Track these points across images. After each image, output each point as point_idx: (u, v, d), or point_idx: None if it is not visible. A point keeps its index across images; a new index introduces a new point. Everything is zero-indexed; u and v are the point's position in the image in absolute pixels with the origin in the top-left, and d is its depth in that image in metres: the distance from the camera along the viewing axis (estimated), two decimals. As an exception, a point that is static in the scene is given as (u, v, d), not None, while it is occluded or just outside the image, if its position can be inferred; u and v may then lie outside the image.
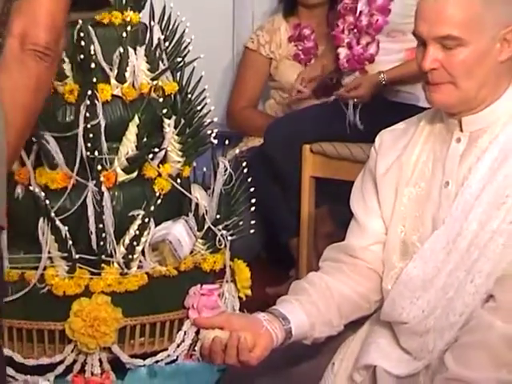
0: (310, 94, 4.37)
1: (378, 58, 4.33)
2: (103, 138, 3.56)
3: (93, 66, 3.56)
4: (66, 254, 3.51)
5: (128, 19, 3.65)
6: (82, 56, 3.57)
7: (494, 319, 2.70)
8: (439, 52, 2.73)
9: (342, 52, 4.40)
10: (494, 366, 2.70)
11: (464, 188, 2.79)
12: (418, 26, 2.77)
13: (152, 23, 3.72)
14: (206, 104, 3.77)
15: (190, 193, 3.70)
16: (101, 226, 3.52)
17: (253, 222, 3.83)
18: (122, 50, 3.61)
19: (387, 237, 2.93)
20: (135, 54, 3.65)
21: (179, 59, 3.75)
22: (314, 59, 4.72)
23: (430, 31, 2.73)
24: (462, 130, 2.84)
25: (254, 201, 3.80)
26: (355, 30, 4.37)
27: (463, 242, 2.77)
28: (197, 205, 3.70)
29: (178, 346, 3.57)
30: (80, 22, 3.55)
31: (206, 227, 3.69)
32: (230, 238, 3.71)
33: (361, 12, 4.35)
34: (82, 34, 3.56)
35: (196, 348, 3.60)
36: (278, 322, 2.78)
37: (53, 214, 3.50)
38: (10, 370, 3.42)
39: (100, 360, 3.51)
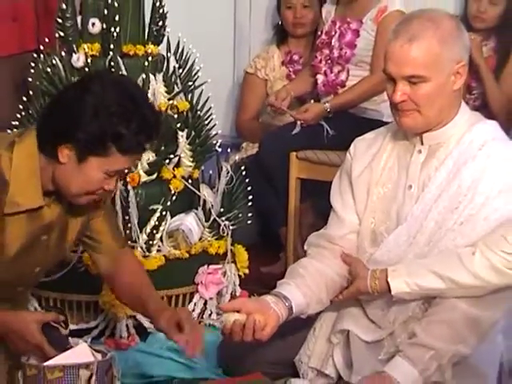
0: (283, 109, 4.30)
1: (348, 82, 4.29)
2: (128, 146, 3.49)
3: (121, 88, 3.49)
4: (98, 240, 3.46)
5: (149, 51, 3.62)
6: (112, 80, 3.50)
7: (459, 302, 2.71)
8: (406, 87, 2.74)
9: (320, 78, 4.36)
10: (453, 340, 2.71)
11: (424, 193, 2.81)
12: (388, 67, 2.78)
13: (168, 54, 3.68)
14: (211, 119, 3.73)
15: (199, 191, 3.67)
16: (127, 217, 3.49)
17: (250, 214, 3.80)
18: (144, 76, 3.57)
19: (360, 227, 2.94)
20: (155, 79, 3.61)
21: (190, 83, 3.71)
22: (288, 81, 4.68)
23: (398, 71, 2.74)
24: (422, 143, 2.84)
25: (250, 197, 3.80)
26: (330, 61, 4.33)
27: (422, 237, 2.79)
28: (204, 201, 3.67)
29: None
30: (111, 53, 3.51)
31: (211, 219, 3.65)
32: (231, 227, 3.68)
33: (333, 46, 4.31)
34: (112, 64, 3.52)
35: (204, 316, 3.61)
36: (282, 303, 2.81)
37: (89, 208, 3.44)
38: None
39: (127, 325, 3.49)
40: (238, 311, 2.76)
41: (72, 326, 3.36)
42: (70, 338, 2.98)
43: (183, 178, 3.60)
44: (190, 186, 3.61)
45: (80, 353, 2.68)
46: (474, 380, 2.78)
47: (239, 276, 3.69)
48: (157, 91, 3.59)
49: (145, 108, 2.53)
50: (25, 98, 3.54)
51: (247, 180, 3.75)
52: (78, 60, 3.50)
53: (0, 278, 2.66)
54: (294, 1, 4.67)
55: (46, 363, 2.61)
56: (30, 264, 2.74)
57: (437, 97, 2.73)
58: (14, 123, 3.50)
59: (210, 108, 3.72)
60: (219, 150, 3.76)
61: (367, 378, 2.71)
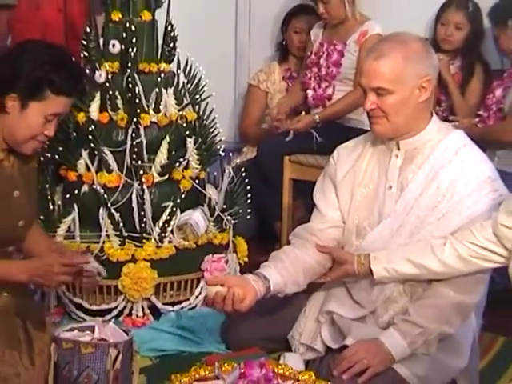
0: (284, 122, 4.29)
1: (334, 96, 4.29)
2: (144, 151, 3.50)
3: (137, 101, 3.50)
4: (118, 233, 3.46)
5: (162, 68, 3.60)
6: (129, 94, 3.51)
7: (447, 290, 2.73)
8: (375, 97, 2.76)
9: (310, 93, 4.36)
10: (440, 321, 2.74)
11: (405, 192, 2.81)
12: (361, 80, 2.82)
13: (178, 71, 3.67)
14: (215, 128, 3.72)
15: (205, 190, 3.66)
16: (142, 213, 3.47)
17: (249, 210, 3.78)
18: (157, 90, 3.55)
19: (346, 223, 2.93)
20: (166, 93, 3.59)
21: (197, 96, 3.69)
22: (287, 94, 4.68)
23: (368, 84, 2.77)
24: (399, 149, 2.85)
25: (249, 195, 3.78)
26: (318, 78, 4.33)
27: (405, 231, 2.80)
28: (209, 198, 3.66)
29: (197, 297, 3.54)
30: (129, 70, 3.50)
31: (215, 214, 3.64)
32: (232, 221, 3.66)
33: (321, 65, 4.31)
34: (129, 79, 3.50)
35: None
36: (261, 281, 2.84)
37: (109, 205, 3.45)
38: (80, 313, 3.44)
39: (142, 307, 3.48)
40: (222, 285, 2.78)
41: (94, 307, 3.44)
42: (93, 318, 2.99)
43: (191, 178, 3.58)
44: (197, 186, 3.59)
45: (111, 331, 2.71)
46: (454, 350, 2.80)
47: (239, 264, 3.69)
48: (168, 103, 3.57)
49: (71, 61, 2.70)
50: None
51: (247, 180, 3.75)
52: (100, 76, 3.50)
53: None
54: (302, 27, 4.65)
55: (81, 339, 2.64)
56: (13, 219, 2.74)
57: (402, 106, 2.74)
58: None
59: (215, 118, 3.71)
60: (222, 154, 3.74)
61: (361, 341, 2.72)
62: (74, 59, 2.72)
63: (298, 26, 4.68)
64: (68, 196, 3.50)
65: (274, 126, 4.38)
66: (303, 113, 4.33)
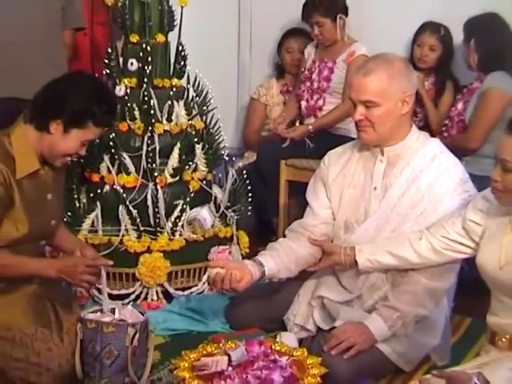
0: (280, 131, 4.28)
1: (324, 107, 4.29)
2: (158, 156, 3.50)
3: (152, 112, 3.51)
4: (135, 227, 3.46)
5: (174, 83, 3.60)
6: (145, 106, 3.51)
7: (420, 277, 2.74)
8: (364, 109, 2.75)
9: (303, 104, 4.36)
10: (415, 304, 2.74)
11: (389, 193, 2.81)
12: (351, 94, 2.81)
13: (188, 86, 3.66)
14: (220, 135, 3.72)
15: (211, 189, 3.66)
16: (156, 210, 3.47)
17: (249, 207, 3.78)
18: (170, 102, 3.56)
19: (336, 220, 2.94)
20: (178, 105, 3.59)
21: (204, 108, 3.69)
22: (283, 110, 4.64)
23: (357, 97, 2.76)
24: (382, 155, 2.85)
25: (250, 195, 3.79)
26: (310, 91, 4.33)
27: (389, 226, 2.80)
28: (215, 197, 3.66)
29: (204, 283, 3.52)
30: (145, 85, 3.50)
31: (220, 210, 3.64)
32: (235, 217, 3.66)
33: (313, 80, 4.32)
34: (145, 93, 3.51)
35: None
36: (257, 266, 2.85)
37: (127, 203, 3.45)
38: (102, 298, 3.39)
39: (156, 291, 3.48)
40: (221, 267, 2.80)
41: (115, 292, 3.42)
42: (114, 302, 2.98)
43: (199, 179, 3.57)
44: (204, 186, 3.59)
45: (129, 313, 2.72)
46: (428, 330, 2.82)
47: (242, 254, 3.68)
48: (179, 114, 3.57)
49: (112, 96, 2.76)
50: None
51: (248, 181, 3.75)
52: (120, 90, 3.50)
53: (27, 235, 2.67)
54: (294, 47, 4.66)
55: (103, 319, 2.66)
56: (47, 218, 2.78)
57: (387, 118, 2.74)
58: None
59: (220, 127, 3.71)
60: (226, 158, 3.74)
61: (349, 323, 2.73)
62: (112, 94, 2.76)
63: (290, 46, 4.69)
64: (92, 195, 3.50)
65: (272, 134, 4.37)
66: (297, 122, 4.34)
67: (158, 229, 3.46)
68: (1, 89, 3.68)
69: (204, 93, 3.67)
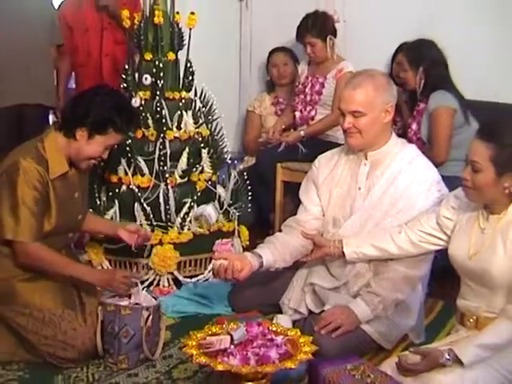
0: (277, 139, 4.28)
1: (316, 117, 4.28)
2: (168, 159, 3.50)
3: (164, 121, 3.51)
4: (149, 222, 3.46)
5: (183, 96, 3.59)
6: (158, 115, 3.51)
7: (399, 266, 2.73)
8: (351, 118, 2.75)
9: (297, 114, 4.35)
10: (394, 290, 2.74)
11: (371, 192, 2.80)
12: (341, 105, 2.80)
13: (195, 98, 3.66)
14: (224, 141, 3.71)
15: (216, 189, 3.64)
16: (167, 207, 3.46)
17: (249, 205, 3.77)
18: (179, 112, 3.55)
19: (325, 216, 2.93)
20: (186, 114, 3.58)
21: (210, 117, 3.68)
22: (280, 117, 4.63)
23: (346, 108, 2.76)
24: (366, 159, 2.84)
25: (250, 193, 3.77)
26: (304, 103, 4.32)
27: (372, 222, 2.80)
28: (219, 196, 3.64)
29: (209, 272, 3.51)
30: (157, 97, 3.50)
31: (224, 208, 3.63)
32: (237, 213, 3.65)
33: (306, 93, 4.31)
34: (158, 104, 3.51)
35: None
36: (256, 258, 2.84)
37: (142, 200, 3.45)
38: None
39: (167, 279, 3.47)
40: (225, 259, 2.80)
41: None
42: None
43: (205, 180, 3.57)
44: (209, 186, 3.58)
45: (143, 298, 2.75)
46: (405, 312, 2.83)
47: (242, 246, 3.67)
48: (188, 122, 3.57)
49: (130, 106, 2.80)
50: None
51: (248, 182, 3.74)
52: (136, 102, 3.50)
53: (56, 228, 2.71)
54: (278, 61, 4.69)
55: (121, 303, 2.68)
56: (74, 214, 2.82)
57: (372, 126, 2.74)
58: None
59: (223, 134, 3.70)
60: (229, 161, 3.73)
61: (337, 306, 2.73)
62: (131, 104, 2.80)
63: (274, 61, 4.71)
64: (110, 194, 3.51)
65: (268, 140, 4.36)
66: (292, 130, 4.35)
67: (169, 224, 3.46)
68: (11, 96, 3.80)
69: (209, 104, 3.67)
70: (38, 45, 3.88)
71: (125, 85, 3.58)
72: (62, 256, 2.76)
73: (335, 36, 4.26)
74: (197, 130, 3.59)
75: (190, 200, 3.51)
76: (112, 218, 3.44)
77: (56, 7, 4.19)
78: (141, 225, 3.43)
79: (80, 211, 2.86)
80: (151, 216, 3.44)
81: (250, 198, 3.76)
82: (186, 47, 3.61)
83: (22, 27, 3.78)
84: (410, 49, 3.78)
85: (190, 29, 3.54)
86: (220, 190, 3.66)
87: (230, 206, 3.65)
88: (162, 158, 3.48)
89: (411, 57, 3.76)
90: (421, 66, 3.71)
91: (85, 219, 2.95)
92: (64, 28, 4.13)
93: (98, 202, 3.50)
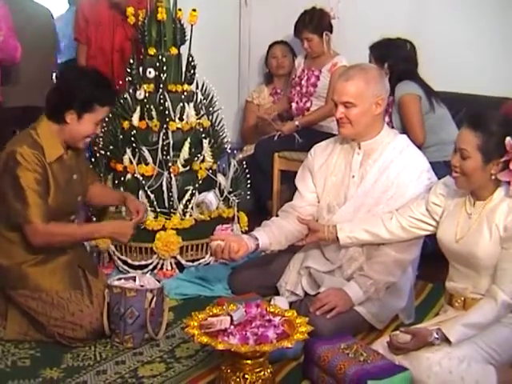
0: (269, 121, 4.30)
1: (311, 108, 4.27)
2: (171, 149, 3.49)
3: (167, 112, 3.50)
4: (152, 208, 3.45)
5: (185, 89, 3.58)
6: (161, 107, 3.50)
7: (390, 250, 2.73)
8: (344, 109, 2.74)
9: (293, 105, 4.35)
10: (386, 273, 2.73)
11: (364, 180, 2.79)
12: (333, 96, 2.80)
13: (197, 90, 3.65)
14: (224, 132, 3.70)
15: (216, 177, 3.63)
16: (170, 194, 3.46)
17: (248, 192, 3.76)
18: (181, 104, 3.54)
19: (320, 202, 2.92)
20: (188, 106, 3.56)
21: (211, 109, 3.67)
22: (274, 103, 4.68)
23: (338, 99, 2.75)
24: (359, 148, 2.83)
25: (249, 181, 3.76)
26: (300, 94, 4.31)
27: (364, 209, 2.79)
28: (219, 184, 3.63)
29: (210, 256, 3.50)
30: (161, 90, 3.48)
31: (224, 195, 3.62)
32: (236, 200, 3.65)
33: (302, 85, 4.30)
34: (161, 96, 3.49)
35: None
36: (252, 240, 2.83)
37: (146, 188, 3.44)
38: (125, 267, 3.42)
39: (170, 263, 3.46)
40: (222, 240, 2.79)
41: (136, 263, 3.42)
42: (135, 271, 2.98)
43: (206, 169, 3.55)
44: (210, 175, 3.57)
45: (147, 280, 2.75)
46: (396, 294, 2.82)
47: (242, 231, 3.63)
48: (190, 114, 3.55)
49: (104, 78, 2.73)
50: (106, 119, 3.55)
51: (247, 170, 3.73)
52: (140, 94, 3.50)
53: (57, 209, 2.69)
54: (277, 53, 4.70)
55: (126, 285, 2.68)
56: (74, 195, 2.80)
57: (362, 117, 2.73)
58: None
59: (223, 125, 3.69)
60: (229, 151, 3.72)
61: (331, 288, 2.73)
62: (104, 75, 2.77)
63: (274, 52, 4.73)
64: (116, 182, 3.50)
65: (258, 117, 4.35)
66: (288, 120, 4.35)
67: (172, 210, 3.46)
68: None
69: (210, 96, 3.66)
70: (41, 50, 3.90)
71: (129, 78, 3.57)
72: (70, 224, 2.77)
73: (331, 32, 4.24)
74: (198, 121, 3.58)
75: (191, 188, 3.50)
76: (117, 205, 3.42)
77: (55, 17, 4.26)
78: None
79: (79, 192, 2.84)
80: (155, 203, 3.44)
81: (248, 185, 3.75)
82: (187, 42, 3.59)
83: (23, 32, 3.77)
84: (376, 47, 3.78)
85: (192, 25, 3.53)
86: (220, 178, 3.65)
87: (229, 193, 3.64)
88: (165, 148, 3.47)
89: (376, 54, 3.76)
90: (386, 62, 3.71)
91: (84, 201, 2.95)
92: (81, 20, 4.12)
93: (105, 190, 3.49)
